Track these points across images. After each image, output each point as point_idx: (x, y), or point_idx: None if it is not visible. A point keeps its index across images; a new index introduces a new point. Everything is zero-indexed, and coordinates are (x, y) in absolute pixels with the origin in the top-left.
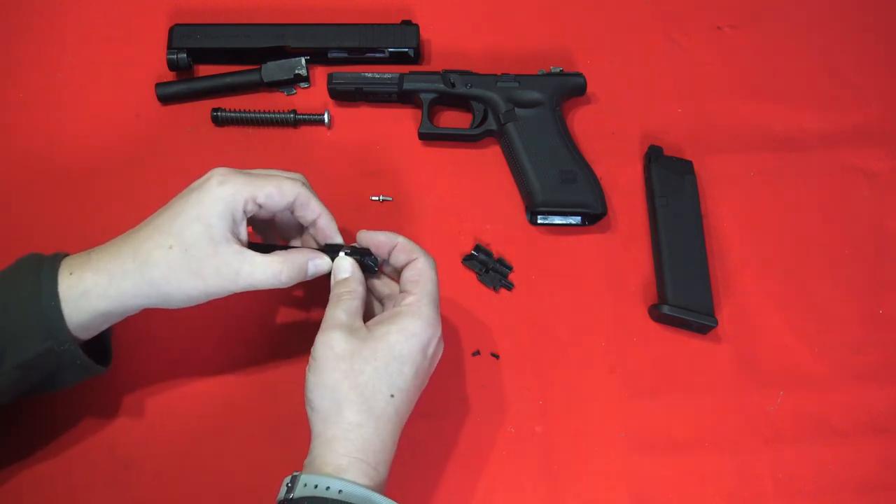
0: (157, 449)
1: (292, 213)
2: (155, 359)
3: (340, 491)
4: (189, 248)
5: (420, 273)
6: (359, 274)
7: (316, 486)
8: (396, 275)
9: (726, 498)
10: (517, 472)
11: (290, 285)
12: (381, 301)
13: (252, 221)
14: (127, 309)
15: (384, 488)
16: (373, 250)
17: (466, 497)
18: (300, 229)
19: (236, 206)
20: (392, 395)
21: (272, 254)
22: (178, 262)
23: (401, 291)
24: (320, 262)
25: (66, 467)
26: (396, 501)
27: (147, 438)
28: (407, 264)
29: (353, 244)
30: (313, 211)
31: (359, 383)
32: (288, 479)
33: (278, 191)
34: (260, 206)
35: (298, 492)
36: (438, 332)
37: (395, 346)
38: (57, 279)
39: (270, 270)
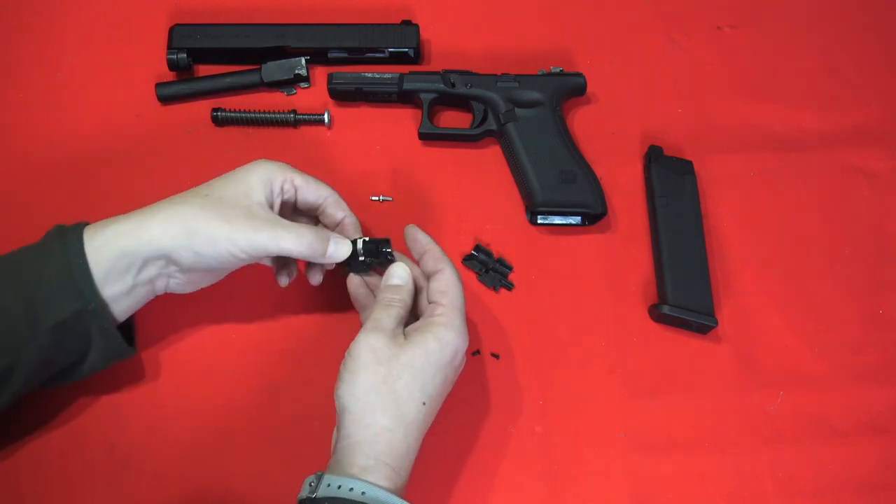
0: (157, 449)
1: (320, 215)
2: (155, 359)
3: (364, 493)
4: (224, 198)
5: (449, 284)
6: (411, 286)
7: (339, 487)
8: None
9: (726, 498)
10: (517, 472)
11: (310, 256)
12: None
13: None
14: (150, 253)
15: (404, 492)
16: (408, 244)
17: (467, 497)
18: None
19: (276, 179)
20: (424, 403)
21: (299, 223)
22: (211, 205)
23: (430, 302)
24: (342, 244)
25: (65, 467)
26: None
27: (147, 438)
28: (434, 273)
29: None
30: (342, 209)
31: (395, 389)
32: (312, 478)
33: (314, 182)
34: (296, 189)
35: (322, 491)
36: (467, 343)
37: (432, 354)
38: (83, 238)
39: (296, 230)
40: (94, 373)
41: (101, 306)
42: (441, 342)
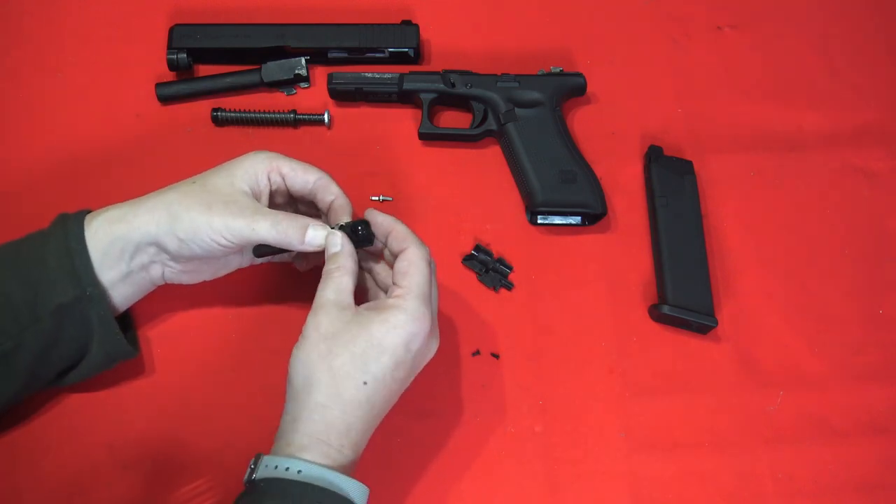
0: (157, 449)
1: (314, 200)
2: (156, 358)
3: (300, 471)
4: (208, 186)
5: (410, 264)
6: (349, 248)
7: (276, 467)
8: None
9: (726, 498)
10: (517, 472)
11: (287, 243)
12: (384, 291)
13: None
14: (140, 238)
15: (352, 469)
16: (375, 231)
17: (467, 497)
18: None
19: (261, 169)
20: (365, 383)
21: (279, 211)
22: (195, 192)
23: (393, 283)
24: (320, 230)
25: (65, 467)
26: (363, 483)
27: (147, 438)
28: (398, 253)
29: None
30: (332, 193)
31: (333, 366)
32: (252, 461)
33: (302, 168)
34: (284, 178)
35: (260, 472)
36: (426, 328)
37: (374, 334)
38: (83, 225)
39: (273, 217)
40: (98, 372)
41: (99, 293)
42: (388, 324)
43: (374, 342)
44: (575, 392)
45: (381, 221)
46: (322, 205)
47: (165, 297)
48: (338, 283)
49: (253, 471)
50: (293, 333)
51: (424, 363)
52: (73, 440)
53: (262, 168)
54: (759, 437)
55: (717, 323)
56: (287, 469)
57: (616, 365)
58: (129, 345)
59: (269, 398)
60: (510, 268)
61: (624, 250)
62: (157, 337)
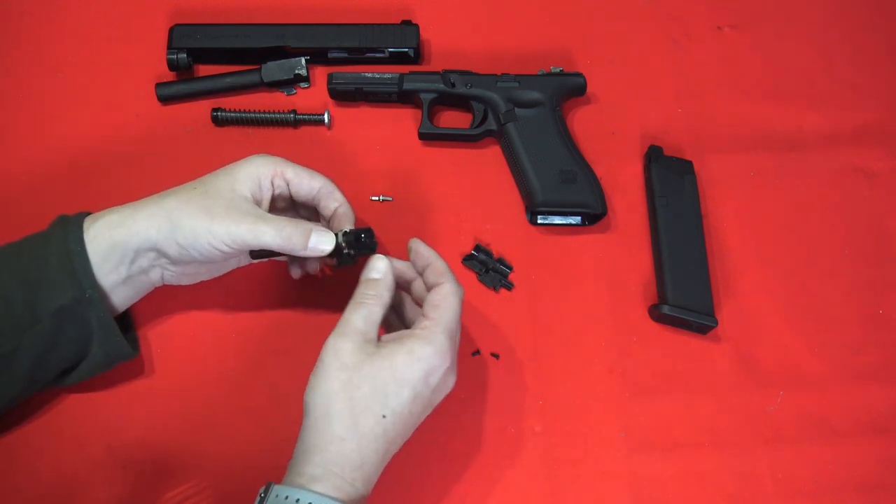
0: (156, 449)
1: (318, 206)
2: (154, 358)
3: (310, 503)
4: (209, 191)
5: (443, 299)
6: (390, 279)
7: (286, 498)
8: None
9: (726, 498)
10: (517, 472)
11: (290, 249)
12: (405, 325)
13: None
14: (140, 244)
15: (361, 503)
16: (412, 258)
17: (467, 497)
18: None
19: (265, 174)
20: (384, 416)
21: (282, 217)
22: (196, 198)
23: (422, 314)
24: (324, 237)
25: (64, 466)
26: None
27: (146, 438)
28: (432, 287)
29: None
30: (336, 200)
31: (353, 397)
32: (262, 490)
33: (307, 174)
34: (288, 184)
35: (270, 502)
36: (447, 363)
37: (398, 367)
38: (82, 227)
39: (276, 223)
40: (98, 373)
41: (99, 295)
42: (413, 356)
43: (397, 375)
44: (575, 392)
45: (422, 252)
46: (325, 211)
47: (165, 298)
48: (369, 311)
49: (263, 500)
50: (292, 334)
51: (440, 398)
52: (73, 440)
53: (265, 172)
54: (759, 437)
55: (717, 323)
56: (297, 501)
57: (616, 365)
58: (128, 346)
59: (268, 398)
60: (510, 268)
61: (624, 250)
62: (157, 337)
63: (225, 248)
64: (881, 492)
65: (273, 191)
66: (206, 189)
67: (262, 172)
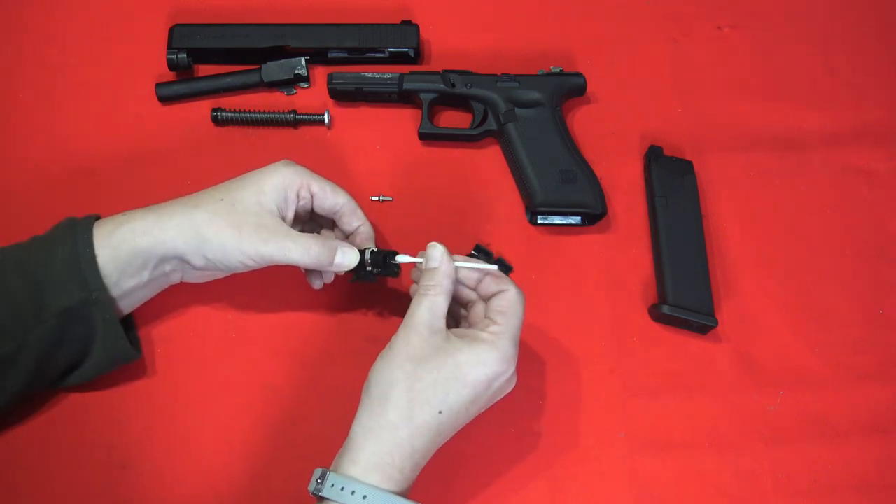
0: (156, 449)
1: (337, 221)
2: (154, 359)
3: (365, 497)
4: (237, 203)
5: (510, 305)
6: (448, 266)
7: (342, 489)
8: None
9: (726, 498)
10: (517, 472)
11: (316, 266)
12: (464, 307)
13: (297, 225)
14: (165, 252)
15: (409, 491)
16: (460, 278)
17: (466, 497)
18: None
19: (291, 186)
20: (440, 412)
21: (307, 234)
22: (224, 211)
23: (486, 317)
24: (349, 254)
25: (64, 467)
26: (419, 503)
27: (146, 438)
28: (497, 293)
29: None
30: (358, 218)
31: (413, 388)
32: (318, 474)
33: (332, 189)
34: (312, 196)
35: (326, 492)
36: (511, 370)
37: (462, 366)
38: (92, 230)
39: (303, 242)
40: (100, 374)
41: (105, 297)
42: (478, 359)
43: (460, 375)
44: (575, 392)
45: (475, 277)
46: (347, 228)
47: (165, 298)
48: (432, 302)
49: (319, 486)
50: (293, 335)
51: (497, 400)
52: (73, 440)
53: (291, 184)
54: (759, 437)
55: (717, 323)
56: (353, 493)
57: (616, 365)
58: (132, 348)
59: (268, 398)
60: (510, 268)
61: (624, 250)
62: (158, 338)
63: (251, 264)
64: (881, 492)
65: (298, 202)
66: (234, 202)
67: (288, 184)
